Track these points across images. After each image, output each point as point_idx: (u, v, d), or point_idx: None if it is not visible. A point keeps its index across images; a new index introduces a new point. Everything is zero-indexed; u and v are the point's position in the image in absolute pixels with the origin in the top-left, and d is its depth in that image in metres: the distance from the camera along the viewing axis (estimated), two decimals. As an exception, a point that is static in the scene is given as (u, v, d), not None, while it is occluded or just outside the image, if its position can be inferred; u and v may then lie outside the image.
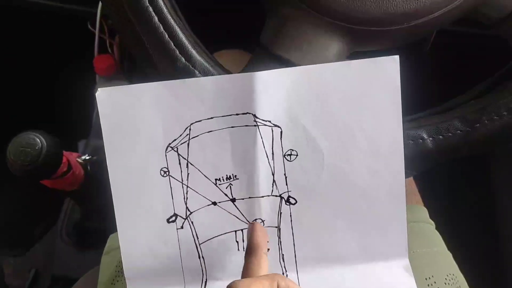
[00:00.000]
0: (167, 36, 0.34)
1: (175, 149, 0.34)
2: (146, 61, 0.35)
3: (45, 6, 0.79)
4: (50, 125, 0.60)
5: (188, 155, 0.34)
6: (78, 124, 0.91)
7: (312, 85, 0.33)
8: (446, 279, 0.42)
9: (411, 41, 0.37)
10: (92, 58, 0.84)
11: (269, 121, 0.33)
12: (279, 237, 0.35)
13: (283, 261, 0.35)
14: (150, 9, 0.34)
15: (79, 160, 0.66)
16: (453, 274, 0.43)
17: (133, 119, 0.33)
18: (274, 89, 0.33)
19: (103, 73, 0.83)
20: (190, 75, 0.34)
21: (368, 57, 0.33)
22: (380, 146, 0.33)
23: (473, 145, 0.36)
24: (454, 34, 0.58)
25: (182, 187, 0.34)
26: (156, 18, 0.34)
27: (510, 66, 0.39)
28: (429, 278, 0.41)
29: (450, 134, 0.36)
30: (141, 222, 0.34)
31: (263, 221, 0.35)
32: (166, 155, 0.34)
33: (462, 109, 0.36)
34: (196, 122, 0.33)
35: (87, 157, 0.67)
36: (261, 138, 0.33)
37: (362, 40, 0.36)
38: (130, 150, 0.34)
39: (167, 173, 0.34)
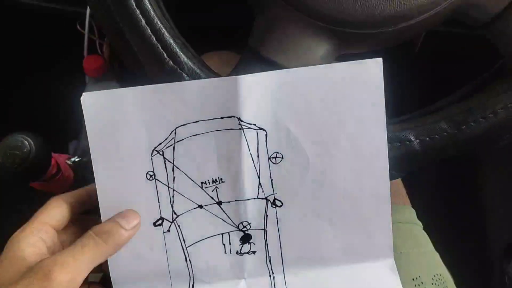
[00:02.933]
0: (154, 39, 0.34)
1: (161, 152, 0.34)
2: (134, 64, 0.35)
3: (34, 6, 0.79)
4: (40, 127, 0.60)
5: (174, 158, 0.34)
6: (69, 125, 0.90)
7: (296, 88, 0.33)
8: (433, 279, 0.42)
9: (399, 43, 0.37)
10: (82, 58, 0.83)
11: (254, 124, 0.33)
12: (266, 240, 0.35)
13: (270, 263, 0.36)
14: (137, 11, 0.34)
15: (68, 162, 0.66)
16: (440, 274, 0.43)
17: (118, 123, 0.33)
18: (258, 92, 0.33)
19: (93, 74, 0.82)
20: (178, 77, 0.34)
21: (356, 59, 0.33)
22: (364, 148, 0.34)
23: (460, 146, 0.36)
24: (442, 36, 0.58)
25: (168, 190, 0.34)
26: (143, 21, 0.34)
27: (496, 68, 0.39)
28: (416, 278, 0.41)
29: (436, 136, 0.36)
30: None
31: (249, 223, 0.35)
32: (151, 159, 0.34)
33: (449, 111, 0.37)
34: (181, 125, 0.33)
35: (77, 159, 0.67)
36: (246, 141, 0.34)
37: (349, 43, 0.36)
38: (116, 154, 0.34)
39: (153, 177, 0.34)
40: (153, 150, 0.34)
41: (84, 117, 0.33)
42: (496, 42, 0.37)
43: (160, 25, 0.34)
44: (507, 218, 0.74)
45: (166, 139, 0.34)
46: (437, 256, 0.46)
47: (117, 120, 0.33)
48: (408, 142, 0.36)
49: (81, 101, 0.33)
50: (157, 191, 0.34)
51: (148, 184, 0.34)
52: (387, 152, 0.34)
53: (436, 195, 0.85)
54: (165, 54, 0.34)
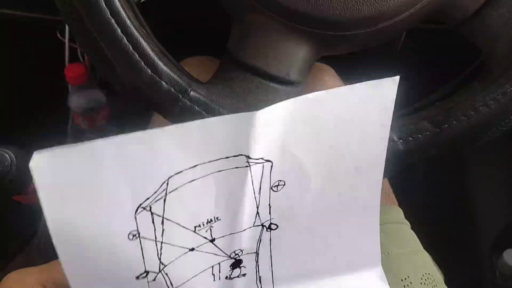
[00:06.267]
0: (131, 47, 0.33)
1: (148, 208, 0.28)
2: (110, 74, 0.34)
3: (13, 15, 0.78)
4: (24, 137, 0.59)
5: (164, 211, 0.28)
6: (53, 135, 0.89)
7: (309, 113, 0.29)
8: (422, 278, 0.42)
9: (380, 43, 0.37)
10: (64, 67, 0.82)
11: (262, 158, 0.29)
12: (257, 261, 0.33)
13: (260, 282, 0.34)
14: (113, 20, 0.33)
15: (52, 173, 0.65)
16: (429, 274, 0.43)
17: (89, 184, 0.25)
18: (272, 126, 0.28)
19: (75, 82, 0.81)
20: (157, 86, 0.34)
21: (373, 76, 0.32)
22: (364, 162, 0.31)
23: (442, 145, 0.36)
24: (424, 34, 0.59)
25: (156, 244, 0.29)
26: (119, 30, 0.33)
27: (475, 66, 0.40)
28: (405, 279, 0.41)
29: (419, 135, 0.36)
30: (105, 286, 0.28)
31: (242, 250, 0.32)
32: (136, 217, 0.27)
33: (430, 110, 0.37)
34: (175, 174, 0.27)
35: (61, 170, 0.66)
36: (251, 177, 0.29)
37: (329, 45, 0.36)
38: (84, 221, 0.25)
39: (137, 235, 0.28)
40: (137, 208, 0.27)
41: (35, 184, 0.23)
42: (473, 40, 0.38)
43: (137, 34, 0.33)
44: (493, 213, 0.75)
45: (155, 192, 0.27)
46: (425, 255, 0.46)
47: (86, 181, 0.25)
48: (391, 143, 0.36)
49: (30, 168, 0.23)
50: (141, 249, 0.28)
51: (131, 243, 0.27)
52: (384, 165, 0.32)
53: (422, 194, 0.85)
54: (142, 63, 0.33)
